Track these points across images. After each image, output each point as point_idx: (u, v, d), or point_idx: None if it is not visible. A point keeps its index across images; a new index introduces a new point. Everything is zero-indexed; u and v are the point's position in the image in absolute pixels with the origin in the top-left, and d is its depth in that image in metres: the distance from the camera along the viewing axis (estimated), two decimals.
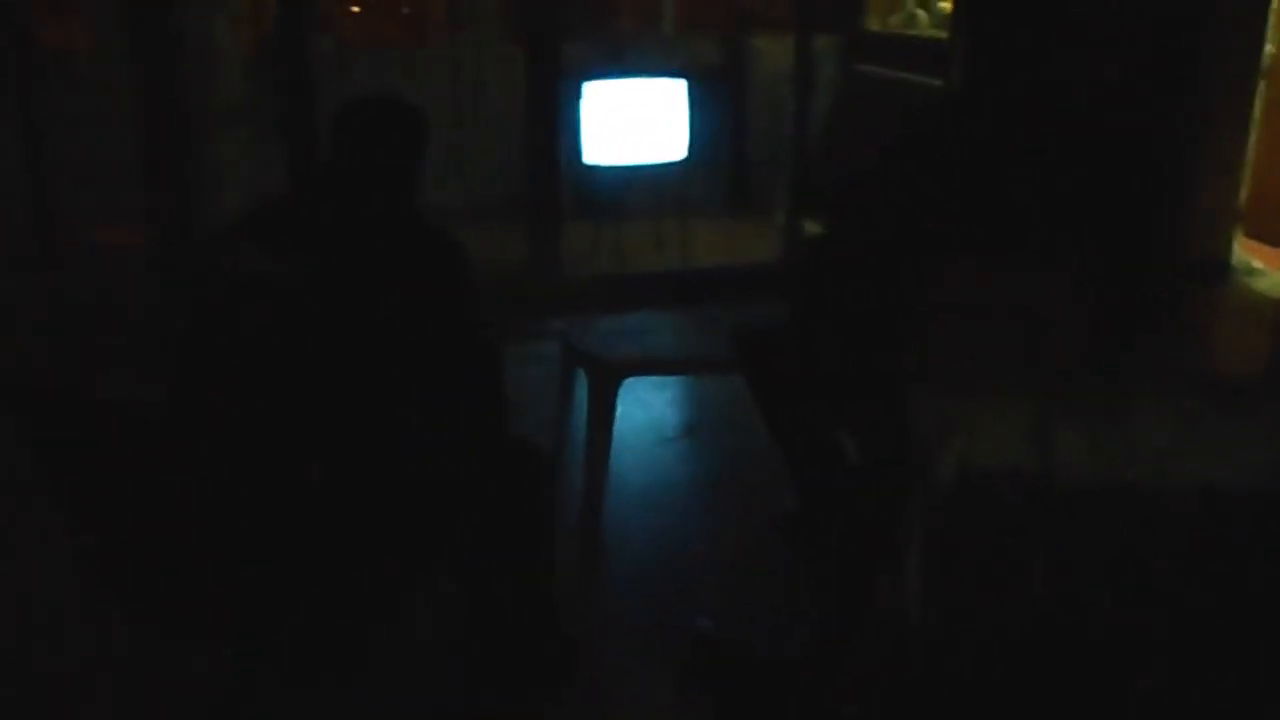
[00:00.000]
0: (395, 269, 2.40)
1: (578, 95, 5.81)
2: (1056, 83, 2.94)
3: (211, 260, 2.49)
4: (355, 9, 8.57)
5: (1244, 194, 6.21)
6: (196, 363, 2.43)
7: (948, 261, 2.79)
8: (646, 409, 4.38)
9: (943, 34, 7.00)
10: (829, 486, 3.15)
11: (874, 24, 7.56)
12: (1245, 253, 6.35)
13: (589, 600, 3.22)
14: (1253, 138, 6.14)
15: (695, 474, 4.05)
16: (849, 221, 2.91)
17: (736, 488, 3.86)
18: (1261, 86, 6.08)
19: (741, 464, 3.95)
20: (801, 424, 3.18)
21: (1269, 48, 6.06)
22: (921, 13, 7.42)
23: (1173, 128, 5.67)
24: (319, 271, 2.35)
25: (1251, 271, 6.25)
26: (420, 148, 2.58)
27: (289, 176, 5.24)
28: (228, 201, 5.93)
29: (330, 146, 2.54)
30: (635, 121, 5.98)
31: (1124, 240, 3.04)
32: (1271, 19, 5.97)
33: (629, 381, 3.57)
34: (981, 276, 2.81)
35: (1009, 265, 2.83)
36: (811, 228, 6.14)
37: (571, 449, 3.80)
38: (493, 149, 6.57)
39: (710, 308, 5.18)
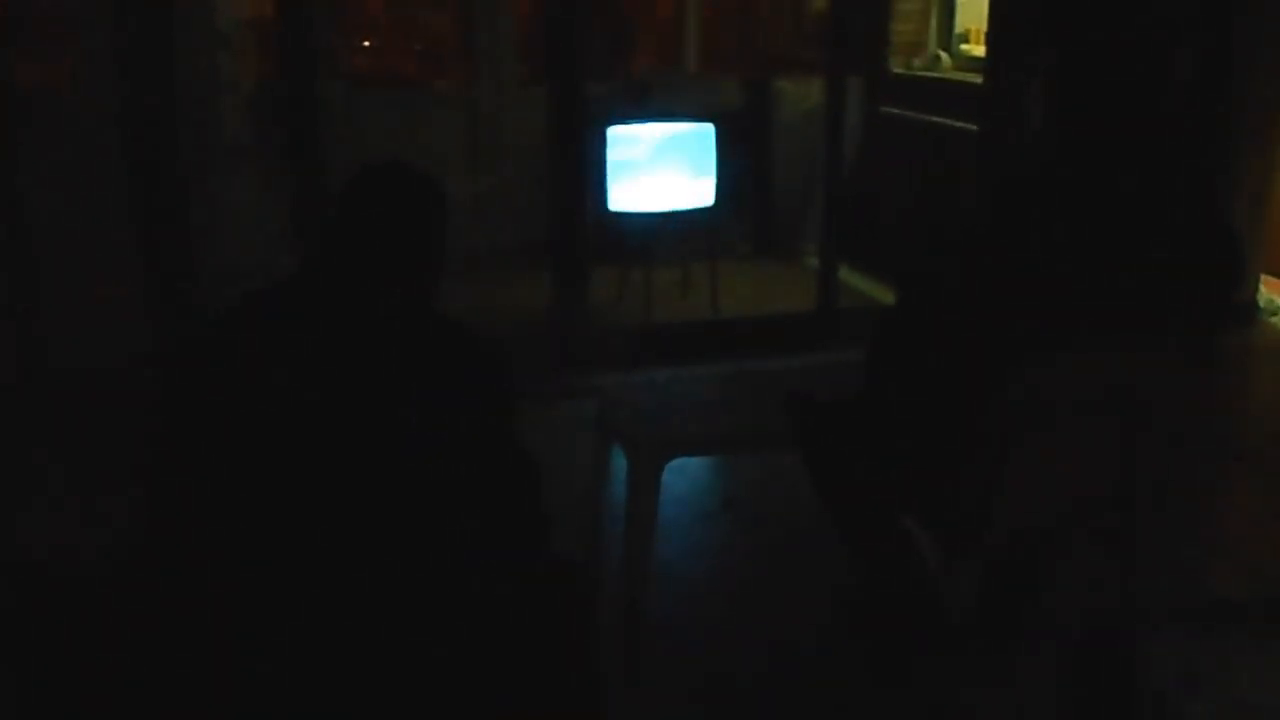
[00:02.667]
0: (416, 372, 2.08)
1: (602, 140, 5.64)
2: (1124, 137, 2.77)
3: (192, 362, 2.15)
4: (366, 44, 8.43)
5: None
6: (170, 492, 2.09)
7: (1038, 342, 2.60)
8: (682, 477, 4.13)
9: (966, 76, 6.90)
10: (899, 581, 2.95)
11: (898, 66, 7.44)
12: (1270, 291, 6.22)
13: (636, 709, 3.00)
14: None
15: (741, 556, 3.82)
16: (926, 298, 2.72)
17: (787, 572, 3.64)
18: None
19: (789, 544, 3.74)
20: (868, 511, 2.98)
21: None
22: (945, 55, 7.33)
23: (1209, 169, 5.57)
24: (328, 376, 2.03)
25: (1278, 311, 6.11)
26: (445, 226, 2.25)
27: (292, 225, 5.05)
28: (229, 250, 5.77)
29: (343, 220, 2.18)
30: (661, 167, 5.81)
31: (1210, 296, 2.86)
32: None
33: None
34: (1077, 359, 2.63)
35: (1104, 345, 2.64)
36: (845, 274, 6.00)
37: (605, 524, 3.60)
38: (514, 194, 6.42)
39: (747, 362, 5.02)
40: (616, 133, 5.70)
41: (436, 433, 2.06)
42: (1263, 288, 6.19)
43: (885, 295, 6.01)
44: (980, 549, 2.89)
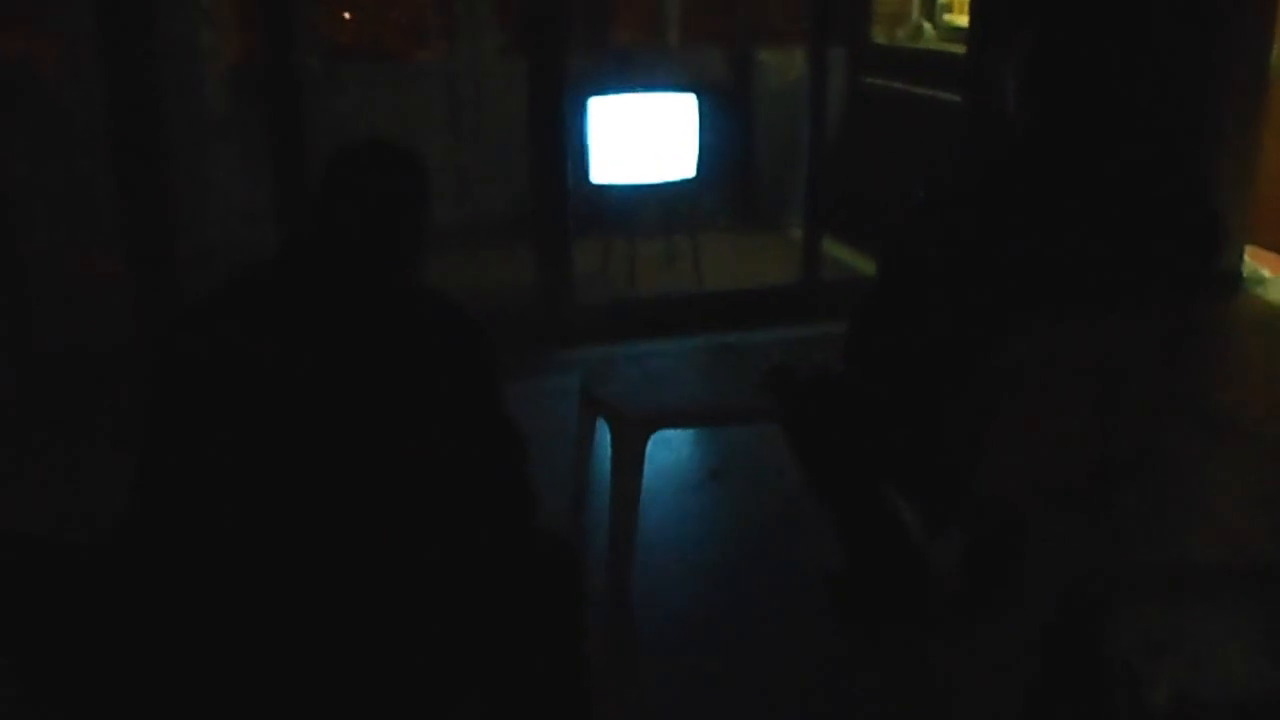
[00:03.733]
0: (403, 350, 2.08)
1: (583, 111, 5.62)
2: (1105, 111, 2.76)
3: (177, 345, 2.13)
4: (347, 15, 8.37)
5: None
6: (158, 476, 2.08)
7: (1018, 313, 2.60)
8: (668, 449, 4.13)
9: (950, 47, 6.89)
10: (884, 552, 2.95)
11: (880, 37, 7.42)
12: (1255, 262, 6.23)
13: (622, 685, 2.99)
14: None
15: (727, 527, 3.81)
16: (906, 271, 2.71)
17: (773, 543, 3.64)
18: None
19: (775, 514, 3.74)
20: (850, 483, 2.98)
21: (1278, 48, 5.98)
22: (928, 26, 7.31)
23: (1194, 139, 5.59)
24: (314, 355, 2.02)
25: (1262, 281, 6.14)
26: (427, 203, 2.25)
27: (275, 200, 5.02)
28: (211, 224, 5.74)
29: (324, 200, 2.18)
30: (643, 138, 5.79)
31: (1187, 265, 2.86)
32: None
33: None
34: (1055, 328, 2.63)
35: (1081, 314, 2.65)
36: (829, 245, 5.98)
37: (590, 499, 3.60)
38: (496, 167, 6.39)
39: (731, 335, 5.02)
40: (598, 103, 5.67)
41: (422, 407, 2.06)
42: (1248, 258, 6.20)
43: (869, 267, 5.98)
44: (961, 518, 2.90)
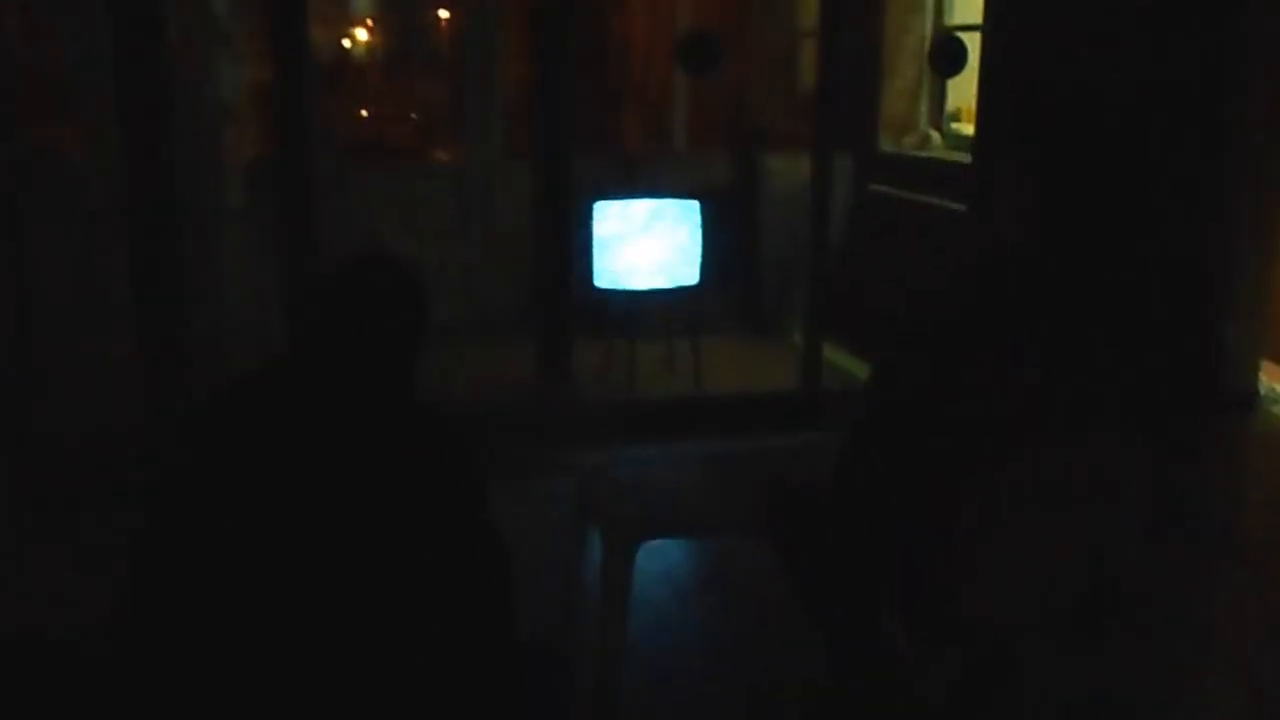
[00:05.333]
0: (393, 457, 2.09)
1: (588, 214, 5.66)
2: (1110, 232, 2.77)
3: (171, 453, 2.16)
4: (364, 113, 8.50)
5: None
6: (151, 577, 2.09)
7: (1013, 434, 2.58)
8: (660, 558, 4.08)
9: (957, 156, 6.93)
10: (872, 672, 2.90)
11: (887, 144, 7.47)
12: (1271, 379, 6.17)
13: None
14: None
15: (716, 639, 3.75)
16: (903, 387, 2.70)
17: (760, 657, 3.58)
18: None
19: (763, 627, 3.69)
20: (842, 601, 2.94)
21: None
22: (935, 134, 7.35)
23: (1206, 255, 5.53)
24: (302, 463, 2.05)
25: (1279, 399, 6.06)
26: (425, 320, 2.27)
27: (285, 286, 5.05)
28: (224, 313, 5.76)
29: (322, 312, 2.20)
30: (647, 243, 5.82)
31: (1187, 382, 2.85)
32: None
33: None
34: (1049, 449, 2.61)
35: (1077, 435, 2.63)
36: (831, 352, 5.97)
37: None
38: (501, 266, 6.42)
39: (730, 440, 4.99)
40: (603, 207, 5.71)
41: (408, 525, 2.07)
42: (1263, 375, 6.10)
43: None
44: (954, 641, 2.86)
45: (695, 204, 5.87)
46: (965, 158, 6.63)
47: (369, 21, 9.29)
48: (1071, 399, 2.60)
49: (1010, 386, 2.61)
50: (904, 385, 2.71)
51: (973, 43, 6.24)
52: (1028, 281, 2.71)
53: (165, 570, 2.08)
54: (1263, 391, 6.03)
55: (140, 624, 2.08)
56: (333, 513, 2.03)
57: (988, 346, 2.62)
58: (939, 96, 7.44)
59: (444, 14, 8.84)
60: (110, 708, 2.04)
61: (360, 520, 2.03)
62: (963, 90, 7.14)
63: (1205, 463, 4.98)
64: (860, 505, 2.81)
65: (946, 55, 6.48)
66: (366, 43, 9.26)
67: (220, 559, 2.02)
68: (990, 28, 5.86)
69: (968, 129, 6.99)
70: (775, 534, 3.05)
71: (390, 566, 2.04)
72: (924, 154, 7.28)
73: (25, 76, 5.50)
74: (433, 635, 2.09)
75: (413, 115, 8.91)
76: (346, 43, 9.03)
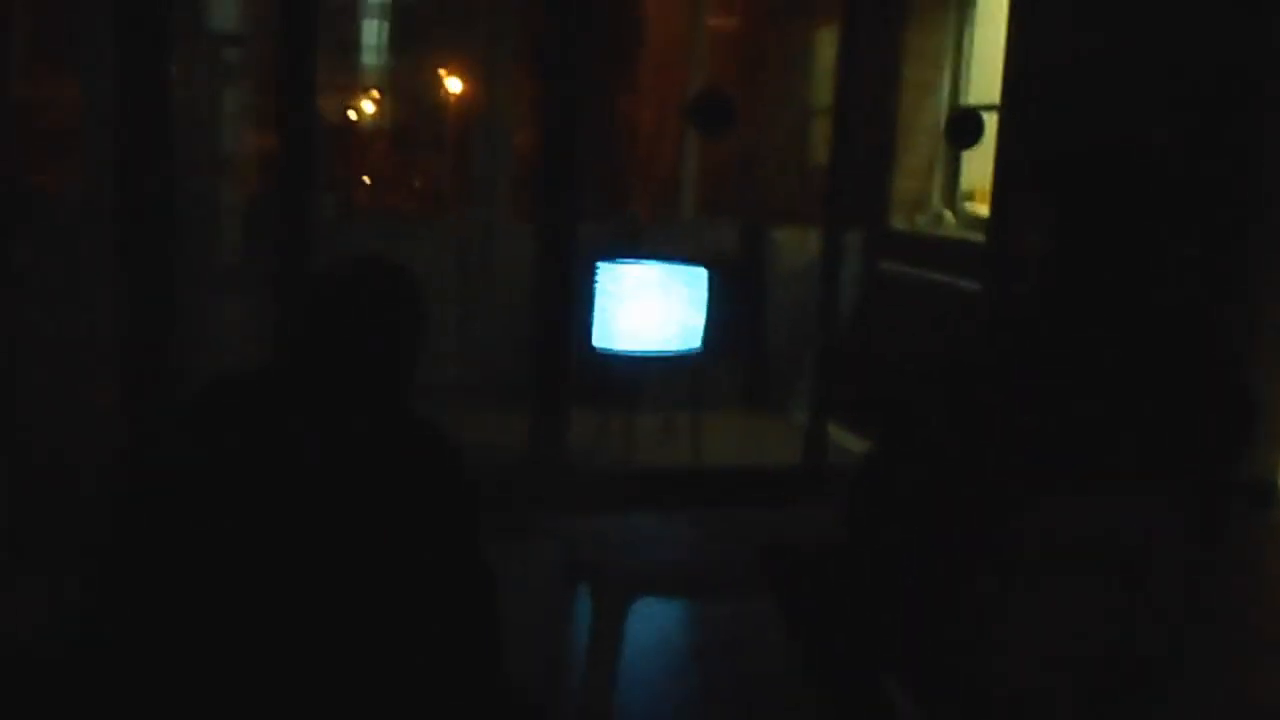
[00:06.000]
0: (382, 470, 2.00)
1: (591, 276, 5.51)
2: (1132, 287, 2.62)
3: (159, 447, 2.11)
4: (366, 179, 8.43)
5: None
6: (130, 576, 2.02)
7: (1029, 491, 2.40)
8: (649, 624, 3.86)
9: (970, 235, 6.83)
10: None
11: (899, 222, 7.37)
12: None
13: None
14: None
15: (707, 707, 3.52)
16: (910, 443, 2.53)
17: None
18: None
19: (759, 696, 3.47)
20: (846, 668, 2.74)
21: None
22: (948, 213, 7.26)
23: (1230, 331, 5.38)
24: (288, 468, 1.97)
25: None
26: (422, 329, 2.18)
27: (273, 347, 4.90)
28: (213, 371, 5.61)
29: (313, 316, 2.12)
30: (649, 308, 5.67)
31: (1218, 445, 2.67)
32: None
33: None
34: (1069, 509, 2.42)
35: (1098, 494, 2.44)
36: (836, 432, 5.79)
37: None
38: (498, 328, 6.30)
39: (725, 511, 4.82)
40: (606, 269, 5.57)
41: (396, 536, 2.00)
42: None
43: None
44: (965, 713, 2.65)
45: (702, 270, 5.73)
46: (978, 237, 6.53)
47: (375, 93, 9.24)
48: (1103, 452, 2.43)
49: (1029, 442, 2.45)
50: (918, 437, 2.55)
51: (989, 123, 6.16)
52: (1054, 333, 2.57)
53: (146, 566, 2.01)
54: None
55: (119, 618, 2.01)
56: (321, 512, 1.95)
57: (1014, 394, 2.45)
58: (952, 175, 7.35)
59: (453, 88, 8.82)
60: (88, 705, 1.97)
61: (348, 522, 1.96)
62: (976, 171, 7.07)
63: (1233, 557, 4.80)
64: (868, 562, 2.63)
65: (963, 128, 6.40)
66: (372, 114, 9.20)
67: (204, 555, 1.95)
68: (1007, 106, 5.79)
69: (981, 209, 6.90)
70: (775, 593, 2.87)
71: (376, 572, 1.97)
72: (937, 233, 7.17)
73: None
74: (409, 660, 1.99)
75: (416, 183, 8.86)
76: (352, 114, 8.97)
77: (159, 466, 2.11)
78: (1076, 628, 2.56)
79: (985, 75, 6.82)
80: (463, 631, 2.05)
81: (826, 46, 7.62)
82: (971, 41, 7.24)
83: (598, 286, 5.55)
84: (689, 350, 5.74)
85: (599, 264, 5.56)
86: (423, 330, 2.18)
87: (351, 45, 8.31)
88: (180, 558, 1.96)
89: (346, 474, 1.99)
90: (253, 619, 1.91)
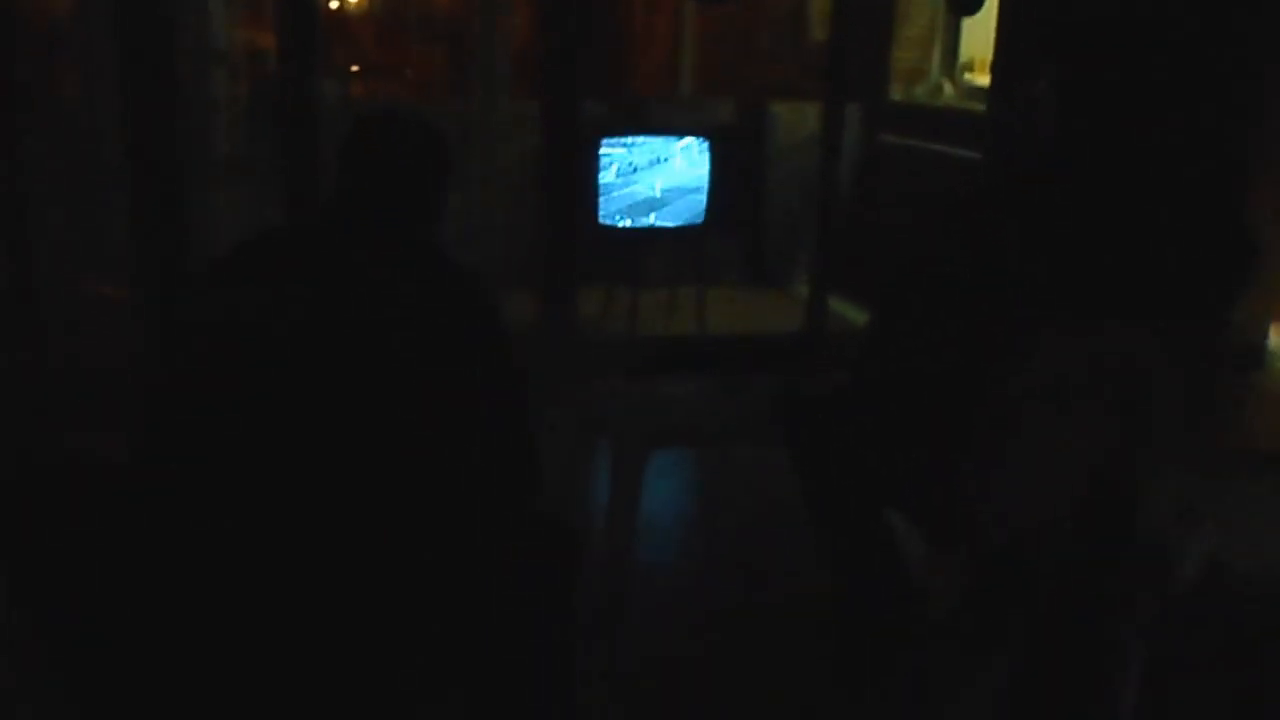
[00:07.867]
0: (415, 310, 2.08)
1: (594, 153, 5.54)
2: (1138, 130, 2.68)
3: (197, 297, 2.19)
4: (354, 68, 8.36)
5: None
6: (174, 415, 2.10)
7: (1033, 323, 2.48)
8: (666, 478, 3.96)
9: (970, 105, 6.82)
10: (878, 580, 2.80)
11: (898, 94, 7.34)
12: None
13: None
14: None
15: (722, 556, 3.65)
16: (920, 283, 2.61)
17: (769, 571, 3.49)
18: None
19: (774, 542, 3.59)
20: (851, 505, 2.84)
21: None
22: (948, 84, 7.23)
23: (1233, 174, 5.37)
24: (326, 309, 2.04)
25: None
26: (445, 172, 2.30)
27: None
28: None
29: (342, 168, 2.24)
30: (654, 181, 5.71)
31: (1218, 281, 2.75)
32: None
33: None
34: (1071, 338, 2.50)
35: (1100, 326, 2.52)
36: (835, 302, 5.86)
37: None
38: (504, 210, 6.32)
39: (731, 375, 4.90)
40: (609, 146, 5.60)
41: (433, 368, 2.08)
42: (1273, 333, 5.95)
43: None
44: (969, 544, 2.75)
45: (704, 142, 5.75)
46: (978, 107, 6.52)
47: None
48: (1105, 289, 2.50)
49: (1034, 280, 2.53)
50: (926, 279, 2.62)
51: None
52: (1045, 169, 2.63)
53: (186, 405, 2.09)
54: (1272, 348, 5.88)
55: (161, 455, 2.09)
56: (358, 349, 2.03)
57: (1021, 234, 2.53)
58: (952, 46, 7.30)
59: None
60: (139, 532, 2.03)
61: (391, 357, 2.04)
62: (975, 41, 7.03)
63: (1220, 417, 4.86)
64: (876, 402, 2.72)
65: None
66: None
67: (242, 395, 2.03)
68: None
69: (981, 79, 6.87)
70: (786, 437, 2.96)
71: (414, 402, 2.05)
72: (936, 104, 7.15)
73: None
74: (451, 489, 2.07)
75: (407, 71, 8.79)
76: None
77: (196, 320, 2.19)
78: (1077, 460, 2.65)
79: None
80: (503, 455, 2.15)
81: None
82: None
83: (600, 162, 5.59)
84: (692, 223, 5.80)
85: (601, 140, 5.58)
86: (447, 166, 2.30)
87: None
88: (223, 389, 2.04)
89: (389, 310, 2.06)
90: (296, 442, 1.99)
